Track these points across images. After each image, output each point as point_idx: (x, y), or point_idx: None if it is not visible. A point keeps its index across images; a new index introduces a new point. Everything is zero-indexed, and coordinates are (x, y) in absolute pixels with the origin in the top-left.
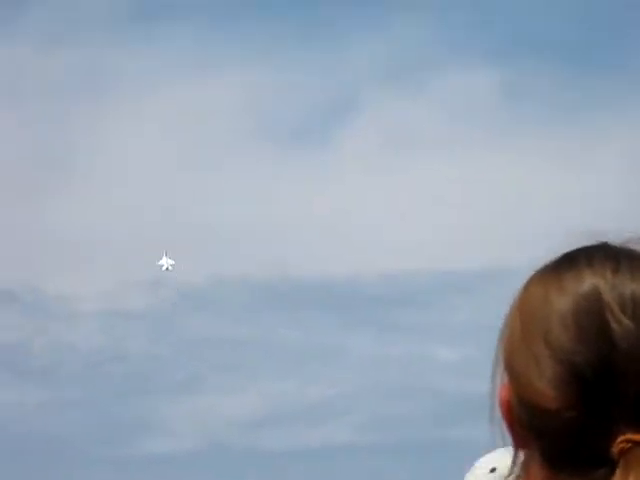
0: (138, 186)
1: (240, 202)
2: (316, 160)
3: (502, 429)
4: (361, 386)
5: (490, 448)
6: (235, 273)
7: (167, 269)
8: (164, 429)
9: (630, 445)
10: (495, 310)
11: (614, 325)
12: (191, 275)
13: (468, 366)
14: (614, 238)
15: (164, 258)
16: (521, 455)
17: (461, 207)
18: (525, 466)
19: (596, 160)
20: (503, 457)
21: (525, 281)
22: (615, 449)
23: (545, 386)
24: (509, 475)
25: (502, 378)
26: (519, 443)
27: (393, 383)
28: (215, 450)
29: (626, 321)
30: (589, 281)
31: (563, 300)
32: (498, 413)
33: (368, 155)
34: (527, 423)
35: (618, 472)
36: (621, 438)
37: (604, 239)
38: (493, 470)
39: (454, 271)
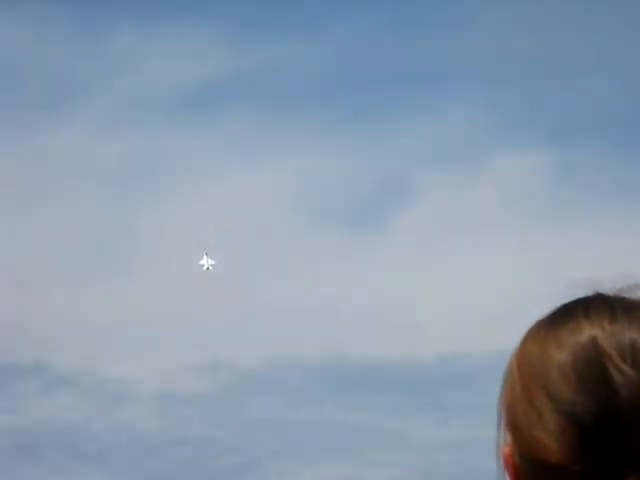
0: (196, 270)
1: (295, 285)
2: (371, 243)
3: None
4: (419, 469)
5: None
6: (292, 356)
7: (208, 268)
8: None
9: None
10: None
11: (614, 373)
12: (248, 358)
13: None
14: (608, 287)
15: (204, 258)
16: None
17: (514, 288)
18: None
19: None
20: None
21: (523, 336)
22: None
23: (548, 439)
24: None
25: (505, 436)
26: None
27: (450, 466)
28: None
29: (627, 369)
30: (587, 332)
31: (562, 352)
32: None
33: (422, 237)
34: (532, 478)
35: None
36: None
37: (599, 289)
38: None
39: (510, 352)
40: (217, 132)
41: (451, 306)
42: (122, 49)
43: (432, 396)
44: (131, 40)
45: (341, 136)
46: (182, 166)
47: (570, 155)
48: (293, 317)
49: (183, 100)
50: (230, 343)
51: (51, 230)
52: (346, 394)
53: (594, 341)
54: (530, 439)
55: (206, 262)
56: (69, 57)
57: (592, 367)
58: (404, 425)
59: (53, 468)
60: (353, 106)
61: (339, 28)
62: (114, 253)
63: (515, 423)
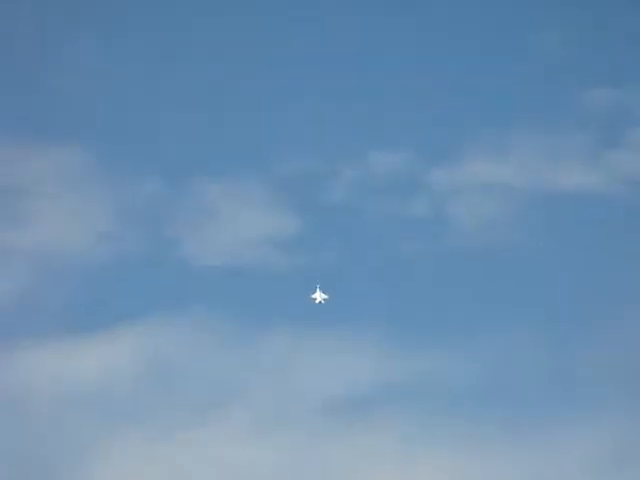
0: None
1: None
2: None
3: None
4: None
5: None
6: None
7: (320, 302)
8: None
9: None
10: None
11: None
12: None
13: None
14: None
15: (317, 292)
16: None
17: None
18: None
19: None
20: None
21: None
22: None
23: None
24: None
25: None
26: None
27: None
28: None
29: None
30: None
31: None
32: None
33: None
34: None
35: None
36: None
37: None
38: None
39: None
40: (367, 443)
41: None
42: (275, 354)
43: None
44: (282, 346)
45: (496, 444)
46: (331, 475)
47: None
48: None
49: (333, 408)
50: (326, 295)
51: None
52: None
53: None
54: None
55: (318, 296)
56: (223, 359)
57: None
58: None
59: None
60: (505, 415)
61: (487, 339)
62: None
63: None
